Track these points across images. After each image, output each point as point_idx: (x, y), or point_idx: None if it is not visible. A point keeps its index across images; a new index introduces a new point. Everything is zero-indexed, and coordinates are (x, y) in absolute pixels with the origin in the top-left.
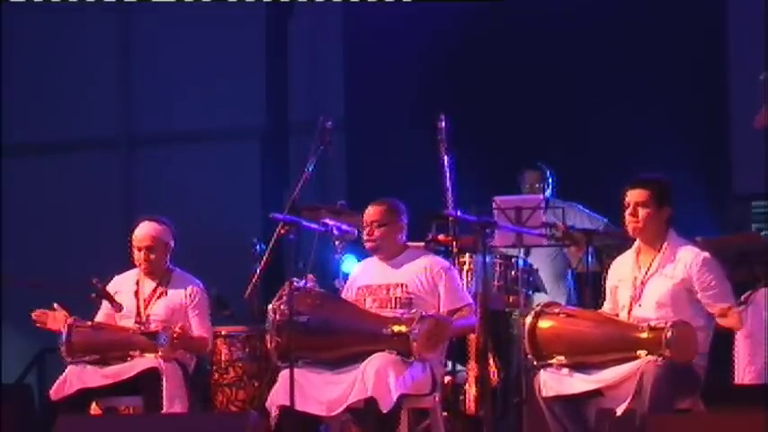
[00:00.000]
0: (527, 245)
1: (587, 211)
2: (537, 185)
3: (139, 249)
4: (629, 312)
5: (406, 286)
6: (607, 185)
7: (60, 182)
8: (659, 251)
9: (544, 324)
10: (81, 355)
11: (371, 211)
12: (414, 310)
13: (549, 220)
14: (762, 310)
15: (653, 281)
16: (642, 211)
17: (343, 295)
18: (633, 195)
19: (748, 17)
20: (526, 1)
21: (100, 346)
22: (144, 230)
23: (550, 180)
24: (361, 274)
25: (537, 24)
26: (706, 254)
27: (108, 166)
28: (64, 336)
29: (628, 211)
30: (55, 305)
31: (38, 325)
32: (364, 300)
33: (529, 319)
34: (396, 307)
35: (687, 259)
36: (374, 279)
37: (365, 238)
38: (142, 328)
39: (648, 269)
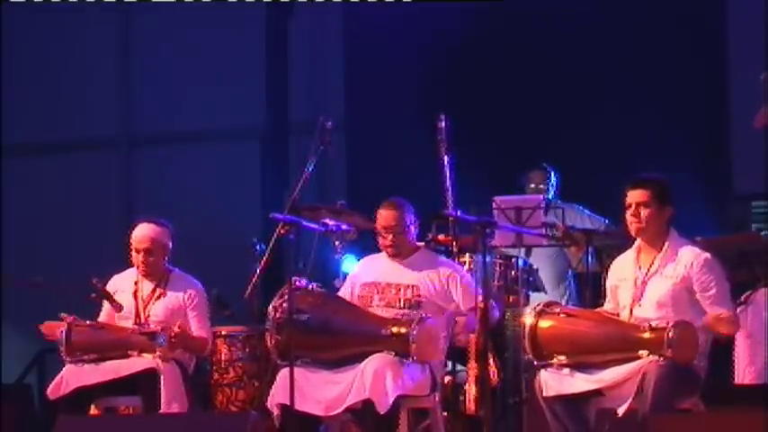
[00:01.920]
0: (527, 245)
1: (588, 212)
2: (541, 186)
3: (138, 251)
4: (629, 312)
5: (418, 288)
6: (607, 185)
7: (60, 182)
8: (660, 251)
9: (544, 324)
10: (80, 354)
11: (387, 217)
12: (414, 312)
13: (550, 221)
14: (762, 310)
15: (653, 281)
16: (644, 211)
17: (342, 292)
18: (634, 196)
19: (748, 17)
20: (526, 1)
21: (99, 346)
22: (142, 232)
23: (554, 181)
24: (368, 271)
25: (537, 24)
26: (707, 255)
27: (108, 166)
28: (64, 335)
29: (629, 212)
30: (62, 315)
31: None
32: (372, 297)
33: (529, 319)
34: (403, 307)
35: (688, 259)
36: (384, 277)
37: (384, 244)
38: (141, 328)
39: (649, 269)
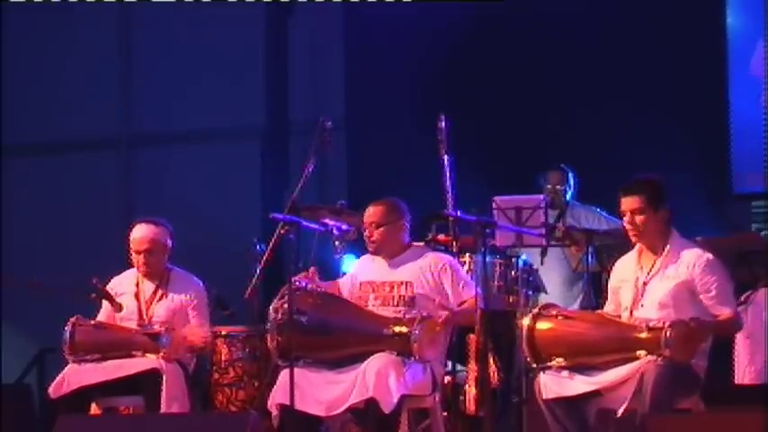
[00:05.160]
0: (527, 245)
1: (605, 214)
2: (559, 186)
3: (138, 253)
4: (630, 313)
5: (412, 285)
6: (606, 186)
7: (60, 182)
8: (662, 252)
9: (542, 326)
10: (83, 354)
11: (370, 212)
12: (415, 311)
13: (567, 224)
14: (762, 310)
15: (655, 281)
16: (639, 218)
17: (342, 286)
18: (627, 203)
19: (748, 16)
20: (526, 1)
21: (102, 346)
22: (142, 233)
23: (572, 182)
24: (364, 270)
25: (537, 25)
26: (710, 255)
27: (108, 166)
28: (67, 334)
29: (625, 219)
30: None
31: None
32: (367, 296)
33: (526, 322)
34: (399, 305)
35: (690, 260)
36: (378, 276)
37: (366, 239)
38: (145, 328)
39: (651, 270)
